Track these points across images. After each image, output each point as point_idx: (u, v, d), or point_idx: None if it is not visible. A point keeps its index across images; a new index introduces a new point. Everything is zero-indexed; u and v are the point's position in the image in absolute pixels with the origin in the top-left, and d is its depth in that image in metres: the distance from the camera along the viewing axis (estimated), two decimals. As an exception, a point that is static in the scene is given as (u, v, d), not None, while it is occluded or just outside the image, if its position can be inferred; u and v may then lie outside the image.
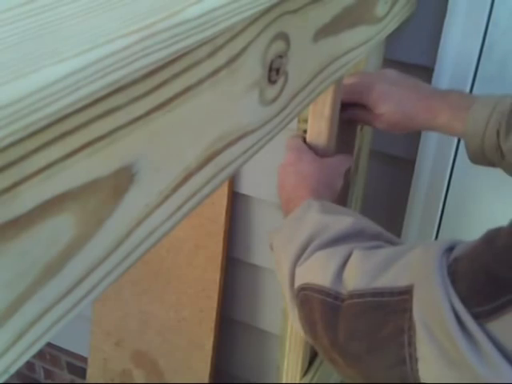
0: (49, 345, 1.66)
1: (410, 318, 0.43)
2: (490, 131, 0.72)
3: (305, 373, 1.06)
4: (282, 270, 0.62)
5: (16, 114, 0.25)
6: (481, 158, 0.75)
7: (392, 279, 0.47)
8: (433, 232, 1.06)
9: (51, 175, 0.30)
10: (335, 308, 0.51)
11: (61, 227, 0.32)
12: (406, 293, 0.44)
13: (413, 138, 1.00)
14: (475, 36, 0.88)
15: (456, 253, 0.45)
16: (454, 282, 0.41)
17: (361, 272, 0.50)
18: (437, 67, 0.93)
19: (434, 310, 0.41)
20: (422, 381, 0.42)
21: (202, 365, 1.30)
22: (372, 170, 1.06)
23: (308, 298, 0.55)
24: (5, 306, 0.30)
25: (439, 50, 0.91)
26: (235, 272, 1.26)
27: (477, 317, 0.39)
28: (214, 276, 1.22)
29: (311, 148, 0.78)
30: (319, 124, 0.77)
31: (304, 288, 0.56)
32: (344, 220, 0.60)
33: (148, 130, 0.37)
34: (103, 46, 0.29)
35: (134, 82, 0.34)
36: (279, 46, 0.50)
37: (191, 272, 1.24)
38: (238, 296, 1.29)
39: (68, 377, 1.81)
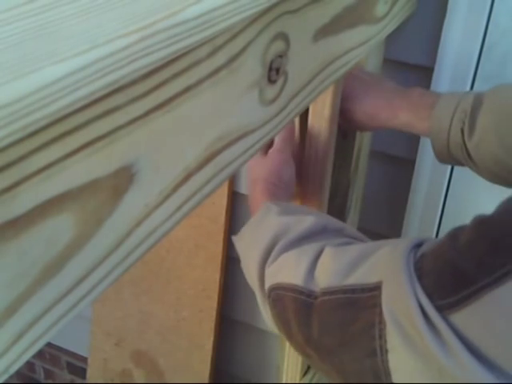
0: (49, 345, 1.66)
1: (380, 313, 0.44)
2: (454, 130, 0.72)
3: (305, 373, 1.06)
4: (250, 273, 0.63)
5: (15, 113, 0.25)
6: (447, 156, 0.76)
7: (362, 276, 0.48)
8: (433, 232, 1.06)
9: (51, 175, 0.30)
10: (308, 305, 0.52)
11: (60, 227, 0.32)
12: (376, 289, 0.46)
13: (413, 138, 1.00)
14: (475, 36, 0.88)
15: (423, 249, 0.46)
16: (420, 278, 0.43)
17: (332, 270, 0.52)
18: (437, 67, 0.92)
19: (402, 304, 0.43)
20: (392, 370, 0.44)
21: (201, 365, 1.30)
22: (372, 170, 1.06)
23: (280, 297, 0.56)
24: (5, 306, 0.30)
25: (439, 50, 0.91)
26: (235, 272, 1.26)
27: (440, 309, 0.40)
28: (214, 276, 1.22)
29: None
30: (319, 124, 0.77)
31: (275, 288, 0.57)
32: (305, 219, 0.61)
33: (148, 130, 0.37)
34: (103, 46, 0.29)
35: (134, 82, 0.34)
36: (279, 45, 0.50)
37: (191, 272, 1.24)
38: (237, 296, 1.29)
39: (68, 377, 1.82)
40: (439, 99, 0.74)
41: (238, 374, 1.39)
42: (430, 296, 0.41)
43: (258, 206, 0.69)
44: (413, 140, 1.00)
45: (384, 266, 0.47)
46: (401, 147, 1.02)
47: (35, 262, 0.31)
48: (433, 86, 0.94)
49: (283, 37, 0.50)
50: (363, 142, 0.97)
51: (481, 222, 0.43)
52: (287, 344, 1.01)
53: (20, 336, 0.32)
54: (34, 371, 1.90)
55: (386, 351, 0.44)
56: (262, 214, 0.66)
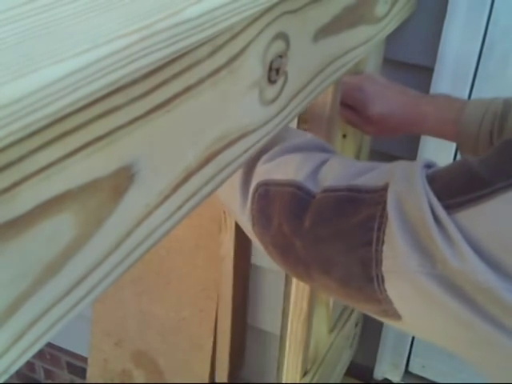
0: (49, 345, 1.66)
1: (384, 208, 0.44)
2: (483, 132, 0.72)
3: (305, 373, 1.06)
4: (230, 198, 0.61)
5: (15, 113, 0.25)
6: None
7: (369, 180, 0.48)
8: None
9: (51, 175, 0.30)
10: (304, 201, 0.51)
11: (61, 227, 0.32)
12: (382, 190, 0.46)
13: (413, 137, 1.00)
14: (475, 36, 0.88)
15: (435, 168, 0.47)
16: (431, 182, 0.43)
17: (339, 174, 0.51)
18: (437, 67, 0.93)
19: (410, 199, 0.43)
20: (384, 259, 0.44)
21: (201, 365, 1.30)
22: (372, 169, 1.06)
23: (269, 192, 0.55)
24: (5, 306, 0.30)
25: (439, 50, 0.91)
26: (235, 272, 1.26)
27: (448, 207, 0.41)
28: (214, 276, 1.22)
29: None
30: (319, 124, 0.77)
31: (266, 184, 0.56)
32: (301, 133, 0.61)
33: (148, 130, 0.37)
34: (103, 46, 0.29)
35: (134, 82, 0.34)
36: (279, 45, 0.50)
37: (191, 272, 1.24)
38: (238, 296, 1.29)
39: (68, 377, 1.82)
40: (467, 103, 0.75)
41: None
42: (439, 196, 0.42)
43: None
44: (413, 140, 1.00)
45: (393, 172, 0.47)
46: (401, 147, 1.03)
47: (35, 261, 0.31)
48: (433, 86, 0.94)
49: (283, 37, 0.50)
50: (363, 142, 0.97)
51: (504, 141, 0.43)
52: (287, 344, 1.01)
53: (20, 336, 0.32)
54: (34, 371, 1.90)
55: (383, 242, 0.44)
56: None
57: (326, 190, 0.50)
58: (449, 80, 0.92)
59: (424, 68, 0.94)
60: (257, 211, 0.56)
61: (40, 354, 1.80)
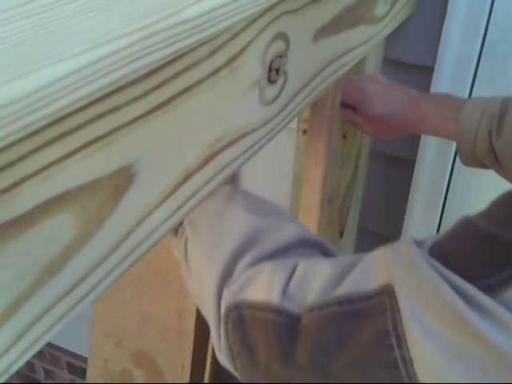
0: (49, 345, 1.66)
1: (393, 318, 0.38)
2: (481, 132, 0.72)
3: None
4: (202, 282, 0.53)
5: (15, 113, 0.25)
6: (472, 159, 0.75)
7: (357, 284, 0.41)
8: (433, 232, 1.06)
9: (51, 175, 0.30)
10: (289, 329, 0.44)
11: (61, 227, 0.32)
12: (382, 293, 0.39)
13: (413, 137, 1.00)
14: (475, 36, 0.88)
15: (430, 241, 0.41)
16: (447, 263, 0.37)
17: (316, 284, 0.44)
18: (437, 67, 0.92)
19: (429, 296, 0.36)
20: (423, 381, 0.37)
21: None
22: (372, 170, 1.06)
23: (244, 319, 0.47)
24: (5, 306, 0.30)
25: (439, 50, 0.91)
26: (235, 272, 1.26)
27: (488, 289, 0.35)
28: (214, 276, 1.22)
29: None
30: (319, 124, 0.77)
31: (239, 306, 0.47)
32: (282, 228, 0.52)
33: (148, 130, 0.37)
34: (103, 46, 0.29)
35: (134, 82, 0.34)
36: (279, 45, 0.50)
37: (191, 272, 1.24)
38: (238, 296, 1.29)
39: (68, 377, 1.82)
40: (466, 102, 0.74)
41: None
42: (469, 278, 0.35)
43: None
44: (413, 140, 1.00)
45: (384, 267, 0.40)
46: (401, 147, 1.03)
47: (35, 261, 0.31)
48: (433, 86, 0.94)
49: (283, 37, 0.50)
50: (363, 142, 0.97)
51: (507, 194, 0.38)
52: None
53: (20, 336, 0.32)
54: (34, 371, 1.90)
55: (411, 361, 0.37)
56: (224, 204, 0.55)
57: (311, 309, 0.43)
58: (449, 80, 0.92)
59: (424, 68, 0.94)
60: (235, 342, 0.48)
61: (40, 354, 1.80)
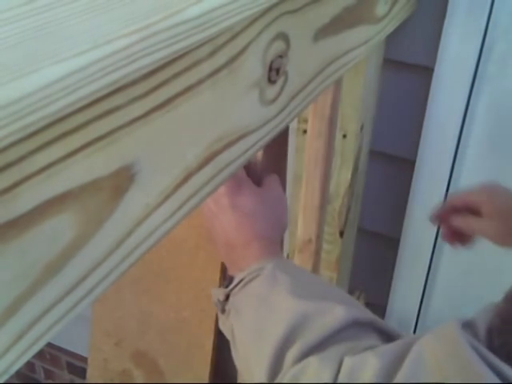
0: (49, 345, 1.66)
1: None
2: None
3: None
4: (251, 370, 0.53)
5: (16, 114, 0.25)
6: None
7: (411, 381, 0.40)
8: (433, 232, 1.06)
9: (51, 175, 0.30)
10: None
11: (61, 227, 0.32)
12: None
13: (413, 138, 1.00)
14: (475, 36, 0.88)
15: (484, 324, 0.39)
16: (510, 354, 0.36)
17: (365, 379, 0.43)
18: (437, 67, 0.93)
19: None
20: None
21: (201, 365, 1.30)
22: (372, 170, 1.06)
23: None
24: (5, 306, 0.30)
25: (439, 50, 0.91)
26: (235, 272, 1.26)
27: None
28: (214, 276, 1.22)
29: (249, 174, 0.64)
30: (319, 124, 0.77)
31: None
32: (330, 311, 0.50)
33: (148, 130, 0.37)
34: (103, 46, 0.29)
35: (134, 82, 0.34)
36: (279, 45, 0.50)
37: (191, 272, 1.24)
38: (238, 296, 1.29)
39: (68, 377, 1.82)
40: None
41: (238, 374, 1.39)
42: None
43: (245, 249, 0.57)
44: (413, 140, 1.00)
45: (436, 364, 0.38)
46: (401, 147, 1.03)
47: (36, 262, 0.31)
48: (433, 86, 0.94)
49: (283, 37, 0.50)
50: (363, 142, 0.97)
51: None
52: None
53: (20, 336, 0.32)
54: (34, 371, 1.90)
55: None
56: (268, 286, 0.54)
57: None
58: (449, 80, 0.92)
59: (424, 68, 0.94)
60: None
61: (40, 354, 1.80)
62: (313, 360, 0.47)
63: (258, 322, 0.53)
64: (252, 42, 0.45)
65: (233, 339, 0.57)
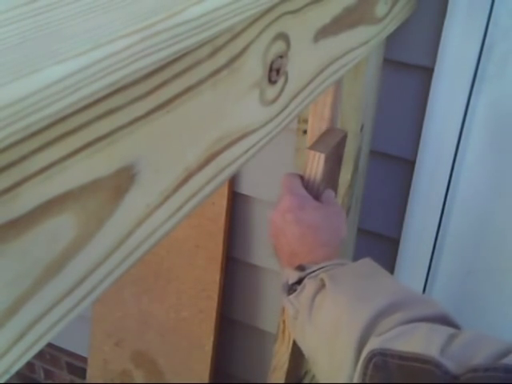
0: (49, 345, 1.66)
1: None
2: None
3: (305, 373, 1.06)
4: (338, 329, 0.55)
5: (17, 114, 0.25)
6: None
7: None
8: (433, 232, 1.06)
9: (52, 175, 0.30)
10: (445, 381, 0.45)
11: (61, 227, 0.32)
12: None
13: (413, 137, 1.00)
14: (475, 36, 0.88)
15: None
16: None
17: (483, 352, 0.46)
18: (437, 67, 0.93)
19: None
20: None
21: (201, 365, 1.30)
22: (372, 170, 1.06)
23: (388, 364, 0.49)
24: (6, 307, 0.30)
25: (439, 49, 0.91)
26: (235, 272, 1.26)
27: None
28: (214, 276, 1.22)
29: (307, 187, 0.72)
30: (319, 125, 0.77)
31: (384, 354, 0.49)
32: (429, 300, 0.56)
33: (148, 131, 0.37)
34: (104, 47, 0.29)
35: (135, 83, 0.34)
36: (279, 46, 0.50)
37: (191, 272, 1.24)
38: (237, 296, 1.29)
39: (68, 377, 1.81)
40: None
41: (238, 374, 1.39)
42: None
43: (310, 256, 0.62)
44: (413, 140, 1.00)
45: None
46: (401, 147, 1.03)
47: (36, 262, 0.31)
48: (433, 86, 0.94)
49: (284, 37, 0.50)
50: (363, 142, 0.97)
51: None
52: (287, 344, 1.01)
53: (21, 336, 0.32)
54: (33, 371, 1.90)
55: None
56: (369, 270, 0.60)
57: (475, 370, 0.44)
58: (448, 80, 0.92)
59: (424, 68, 0.94)
60: None
61: (40, 355, 1.80)
62: (423, 324, 0.51)
63: (359, 289, 0.57)
64: (252, 42, 0.45)
65: (310, 310, 0.59)
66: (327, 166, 0.73)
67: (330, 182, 0.76)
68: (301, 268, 0.63)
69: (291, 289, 0.63)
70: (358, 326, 0.53)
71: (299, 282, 0.62)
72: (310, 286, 0.61)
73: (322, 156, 0.72)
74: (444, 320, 0.53)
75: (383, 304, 0.54)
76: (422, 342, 0.49)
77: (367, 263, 0.62)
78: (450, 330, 0.50)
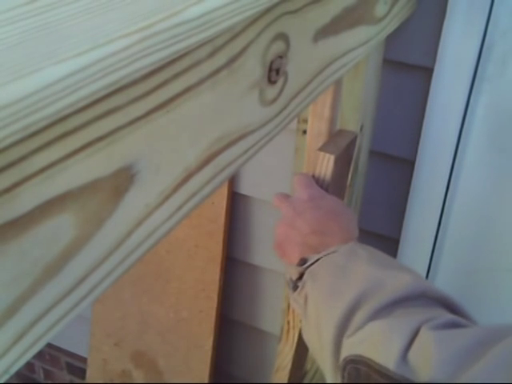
0: (48, 345, 1.66)
1: None
2: None
3: (305, 373, 1.06)
4: (320, 330, 0.55)
5: (16, 114, 0.25)
6: None
7: (489, 373, 0.39)
8: (433, 232, 1.06)
9: (51, 175, 0.30)
10: None
11: (61, 227, 0.32)
12: None
13: (413, 138, 1.00)
14: (475, 36, 0.88)
15: None
16: None
17: (438, 359, 0.43)
18: (437, 67, 0.93)
19: None
20: None
21: (201, 365, 1.30)
22: (372, 170, 1.06)
23: (361, 374, 0.48)
24: (5, 307, 0.30)
25: (439, 49, 0.91)
26: (235, 272, 1.26)
27: None
28: (214, 276, 1.22)
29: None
30: (319, 125, 0.77)
31: (355, 361, 0.49)
32: (402, 278, 0.53)
33: (148, 131, 0.37)
34: (103, 47, 0.29)
35: (135, 83, 0.34)
36: (279, 46, 0.50)
37: (191, 272, 1.24)
38: (237, 296, 1.29)
39: (68, 377, 1.81)
40: None
41: (238, 374, 1.39)
42: None
43: (333, 238, 0.61)
44: (413, 140, 1.00)
45: None
46: (401, 147, 1.03)
47: (36, 262, 0.31)
48: (432, 86, 0.94)
49: (283, 37, 0.50)
50: (363, 142, 0.97)
51: None
52: (287, 344, 1.01)
53: (21, 336, 0.32)
54: (33, 371, 1.90)
55: None
56: (346, 258, 0.58)
57: None
58: (448, 80, 0.92)
59: (424, 68, 0.94)
60: None
61: (39, 355, 1.80)
62: (384, 323, 0.49)
63: (333, 284, 0.56)
64: (252, 42, 0.45)
65: (305, 310, 0.59)
66: (337, 167, 0.72)
67: (338, 183, 0.76)
68: (302, 261, 0.63)
69: (295, 285, 0.63)
70: (332, 325, 0.52)
71: (301, 277, 0.62)
72: (305, 283, 0.61)
73: (332, 157, 0.71)
74: (419, 295, 0.52)
75: (354, 296, 0.52)
76: (382, 348, 0.47)
77: (344, 250, 0.59)
78: (414, 323, 0.47)
